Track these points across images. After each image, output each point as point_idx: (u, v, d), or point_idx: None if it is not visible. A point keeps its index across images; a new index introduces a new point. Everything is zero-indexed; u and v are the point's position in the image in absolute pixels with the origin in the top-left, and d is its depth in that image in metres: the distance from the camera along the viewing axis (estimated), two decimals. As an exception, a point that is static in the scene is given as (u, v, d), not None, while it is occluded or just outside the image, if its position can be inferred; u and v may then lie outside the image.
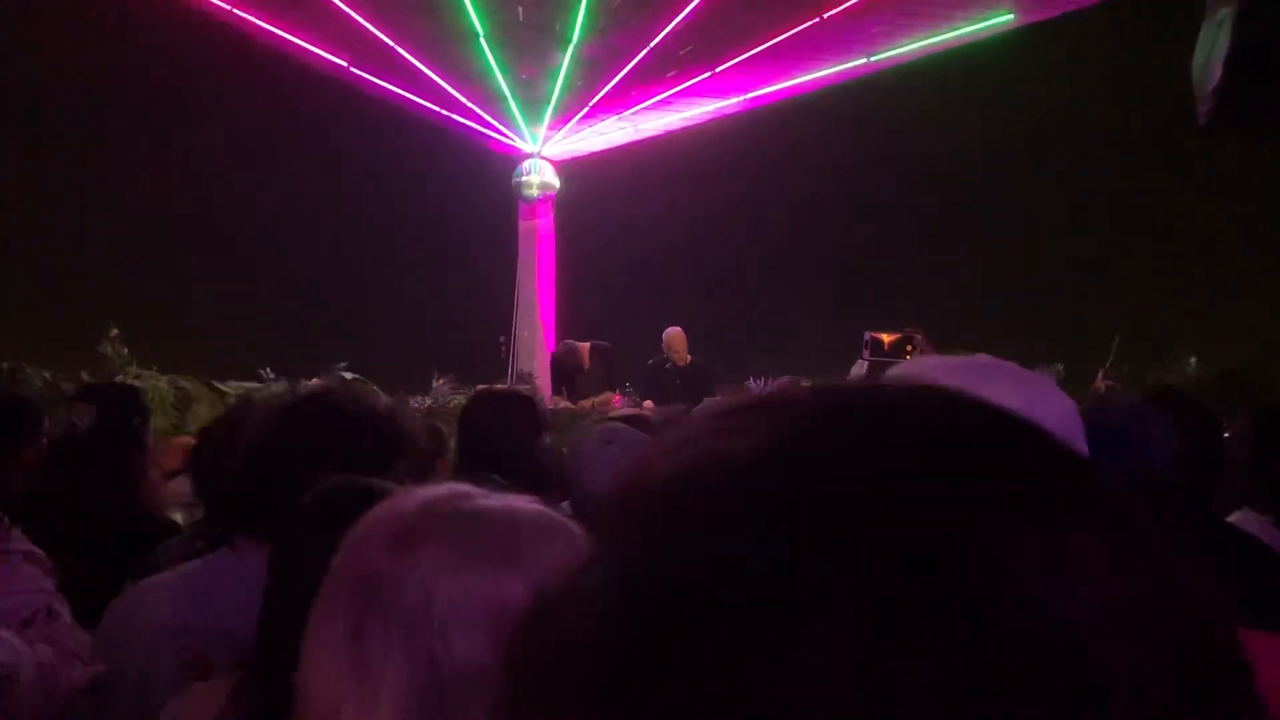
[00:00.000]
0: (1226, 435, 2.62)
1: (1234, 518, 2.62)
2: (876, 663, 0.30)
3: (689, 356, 8.60)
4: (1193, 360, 7.41)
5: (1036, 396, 1.08)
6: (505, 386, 5.32)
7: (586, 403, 7.87)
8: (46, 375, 6.73)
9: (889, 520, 0.32)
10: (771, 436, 0.36)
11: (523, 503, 0.92)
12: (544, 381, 9.59)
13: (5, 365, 6.68)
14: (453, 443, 3.26)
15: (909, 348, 7.08)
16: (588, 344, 8.69)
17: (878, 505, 0.33)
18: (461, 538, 0.87)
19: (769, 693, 0.30)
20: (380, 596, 0.86)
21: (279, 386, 7.82)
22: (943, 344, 6.58)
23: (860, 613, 0.31)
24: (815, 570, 0.32)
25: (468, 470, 2.73)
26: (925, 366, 1.10)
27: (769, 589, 0.32)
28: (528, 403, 2.99)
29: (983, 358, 1.16)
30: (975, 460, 0.36)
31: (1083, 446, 1.10)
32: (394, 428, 1.86)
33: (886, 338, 7.18)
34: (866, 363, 7.25)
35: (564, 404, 8.02)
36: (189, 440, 4.12)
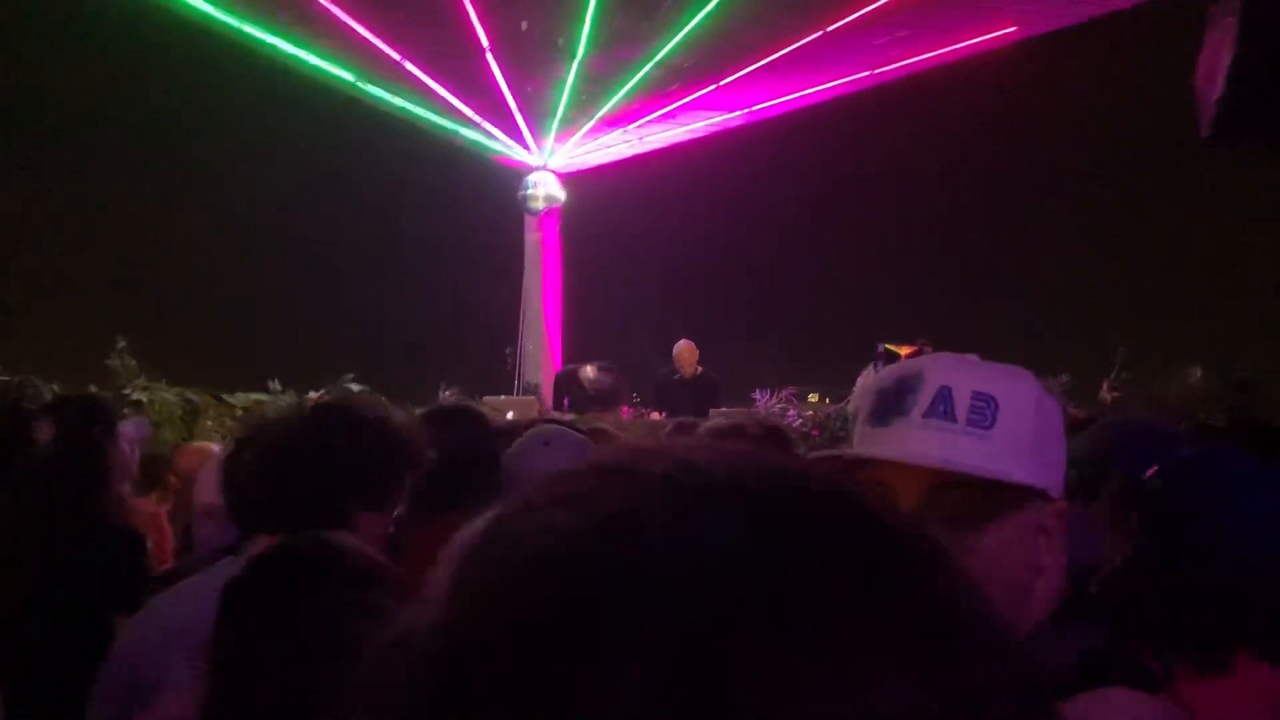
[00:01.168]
0: None
1: None
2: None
3: (698, 368, 8.65)
4: (1198, 371, 7.40)
5: (1040, 386, 1.14)
6: (454, 402, 5.34)
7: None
8: (55, 388, 6.76)
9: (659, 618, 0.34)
10: (591, 516, 0.37)
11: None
12: (550, 393, 9.62)
13: (13, 379, 6.71)
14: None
15: (922, 359, 7.09)
16: (595, 367, 8.74)
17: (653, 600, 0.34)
18: None
19: None
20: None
21: (286, 399, 7.85)
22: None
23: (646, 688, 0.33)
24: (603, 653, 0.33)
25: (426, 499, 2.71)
26: (921, 362, 1.15)
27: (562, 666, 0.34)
28: (478, 416, 2.90)
29: (971, 358, 1.18)
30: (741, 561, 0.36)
31: (1059, 444, 1.14)
32: (407, 439, 1.88)
33: (901, 351, 7.22)
34: (873, 376, 7.26)
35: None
36: (205, 446, 4.12)
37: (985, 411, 1.07)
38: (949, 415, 1.07)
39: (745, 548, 0.36)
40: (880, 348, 7.28)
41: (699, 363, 8.80)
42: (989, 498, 1.05)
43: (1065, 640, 1.06)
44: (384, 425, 1.87)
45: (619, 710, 0.32)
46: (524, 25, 9.56)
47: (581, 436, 2.57)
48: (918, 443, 1.07)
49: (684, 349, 8.64)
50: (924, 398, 1.09)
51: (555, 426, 2.75)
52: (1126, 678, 1.05)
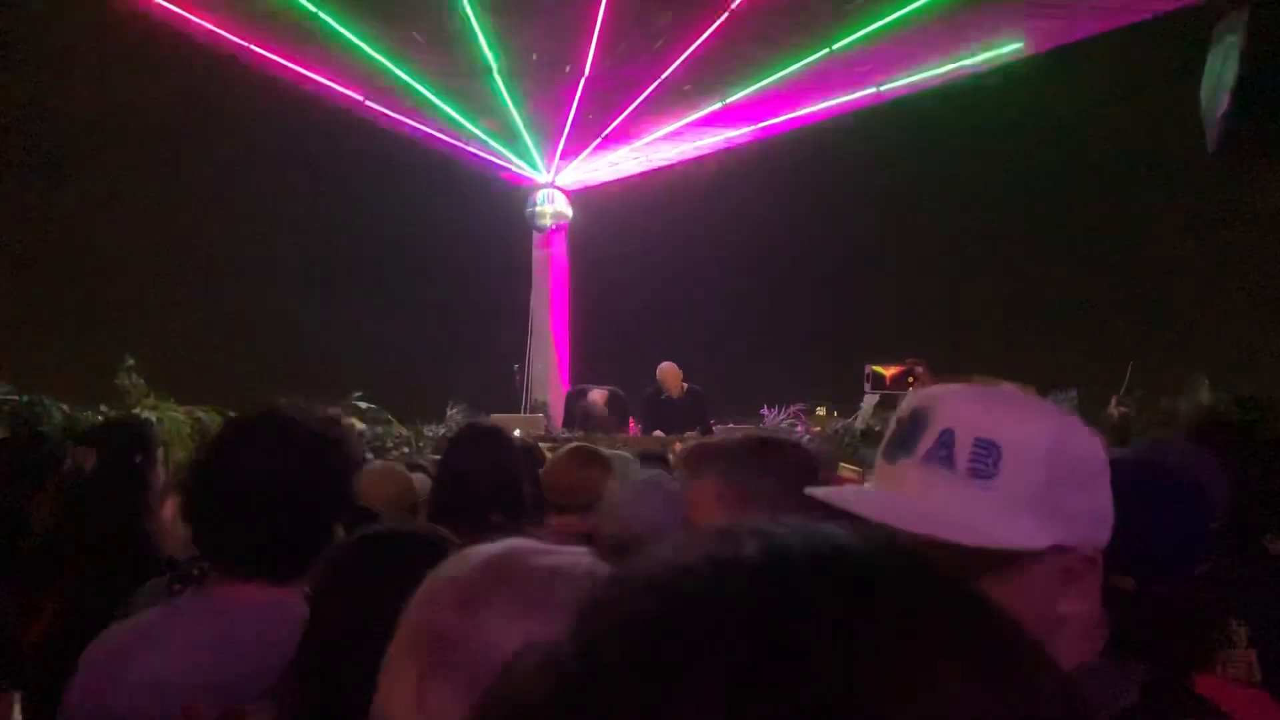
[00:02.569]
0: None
1: None
2: None
3: (684, 386, 8.71)
4: (1207, 387, 7.37)
5: (1066, 428, 1.06)
6: (484, 422, 5.38)
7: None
8: (64, 408, 6.78)
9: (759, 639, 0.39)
10: (718, 573, 0.43)
11: (577, 556, 0.93)
12: (558, 411, 9.63)
13: (23, 398, 6.73)
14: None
15: (910, 380, 7.08)
16: (604, 390, 8.78)
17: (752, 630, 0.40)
18: (523, 593, 0.89)
19: None
20: (448, 656, 0.88)
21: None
22: (951, 374, 6.58)
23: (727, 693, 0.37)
24: (693, 668, 0.39)
25: (446, 507, 2.75)
26: (947, 393, 1.09)
27: (656, 677, 0.39)
28: (507, 439, 3.01)
29: (1007, 387, 1.15)
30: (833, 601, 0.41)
31: (1105, 485, 1.08)
32: (337, 452, 1.85)
33: (887, 371, 7.17)
34: (877, 395, 7.27)
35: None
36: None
37: (987, 460, 1.01)
38: (948, 462, 1.03)
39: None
40: (867, 369, 7.27)
41: (694, 379, 8.86)
42: (987, 555, 0.99)
43: (1125, 675, 1.05)
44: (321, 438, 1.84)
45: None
46: (534, 57, 9.63)
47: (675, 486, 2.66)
48: (912, 486, 1.04)
49: (667, 371, 8.73)
50: (929, 438, 1.04)
51: (660, 471, 2.86)
52: (1188, 707, 1.05)
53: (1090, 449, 1.07)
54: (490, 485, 2.71)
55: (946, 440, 1.03)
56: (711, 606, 0.41)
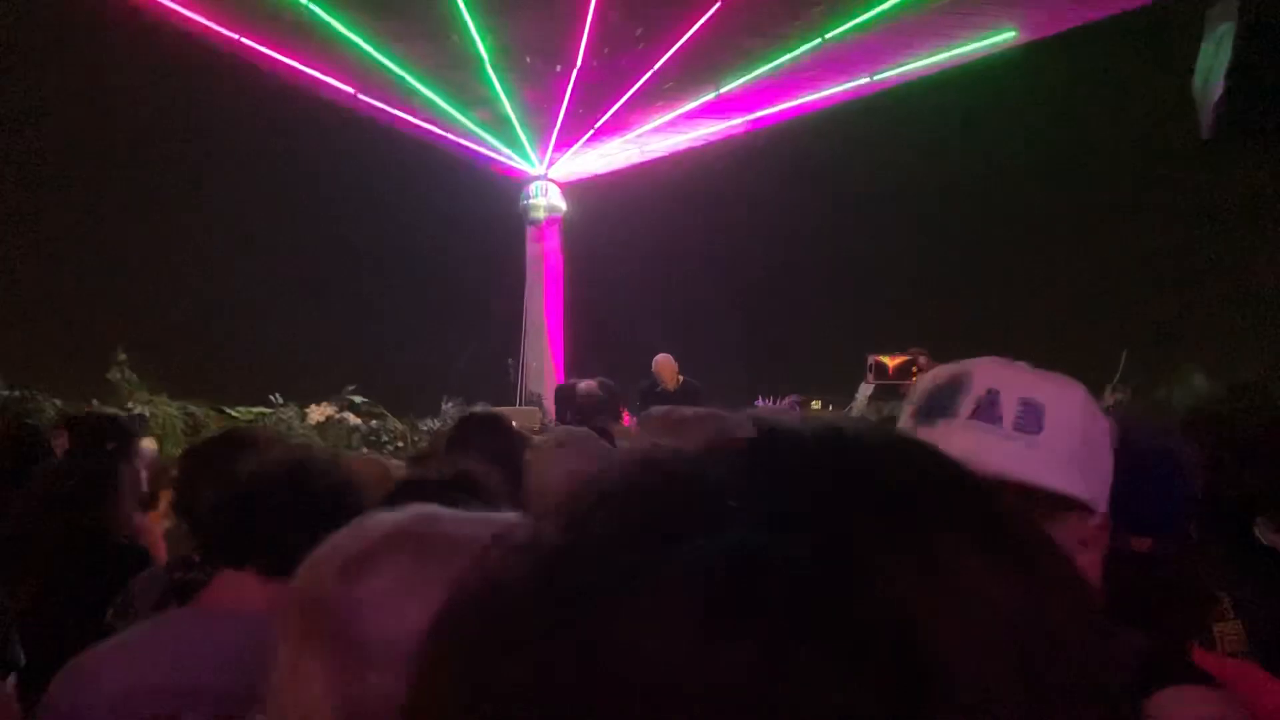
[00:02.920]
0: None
1: None
2: (709, 629, 0.33)
3: (680, 378, 8.71)
4: (1201, 375, 7.38)
5: (1088, 396, 1.13)
6: (490, 410, 5.34)
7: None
8: (57, 402, 6.77)
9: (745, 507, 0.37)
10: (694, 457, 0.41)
11: (495, 524, 0.87)
12: (552, 403, 9.62)
13: (16, 393, 6.71)
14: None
15: (914, 370, 7.08)
16: (595, 382, 8.78)
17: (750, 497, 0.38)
18: (407, 566, 0.85)
19: (614, 642, 0.34)
20: (317, 623, 0.85)
21: (289, 411, 7.86)
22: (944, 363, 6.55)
23: (701, 581, 0.34)
24: (664, 546, 0.36)
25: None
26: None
27: (643, 560, 0.36)
28: (508, 427, 3.00)
29: (1020, 365, 1.17)
30: (860, 478, 0.39)
31: (1110, 454, 1.13)
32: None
33: (890, 361, 7.17)
34: (872, 386, 7.26)
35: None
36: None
37: (1031, 417, 1.06)
38: (994, 419, 1.06)
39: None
40: (870, 359, 7.27)
41: (688, 372, 8.87)
42: (1027, 505, 1.02)
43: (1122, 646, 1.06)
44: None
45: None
46: (527, 60, 9.61)
47: (595, 437, 2.61)
48: (959, 443, 1.04)
49: (663, 363, 8.73)
50: (971, 400, 1.08)
51: (570, 428, 2.82)
52: (1189, 675, 1.07)
53: (1105, 424, 1.14)
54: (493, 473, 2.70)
55: (992, 399, 1.07)
56: (704, 480, 0.38)
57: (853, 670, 0.32)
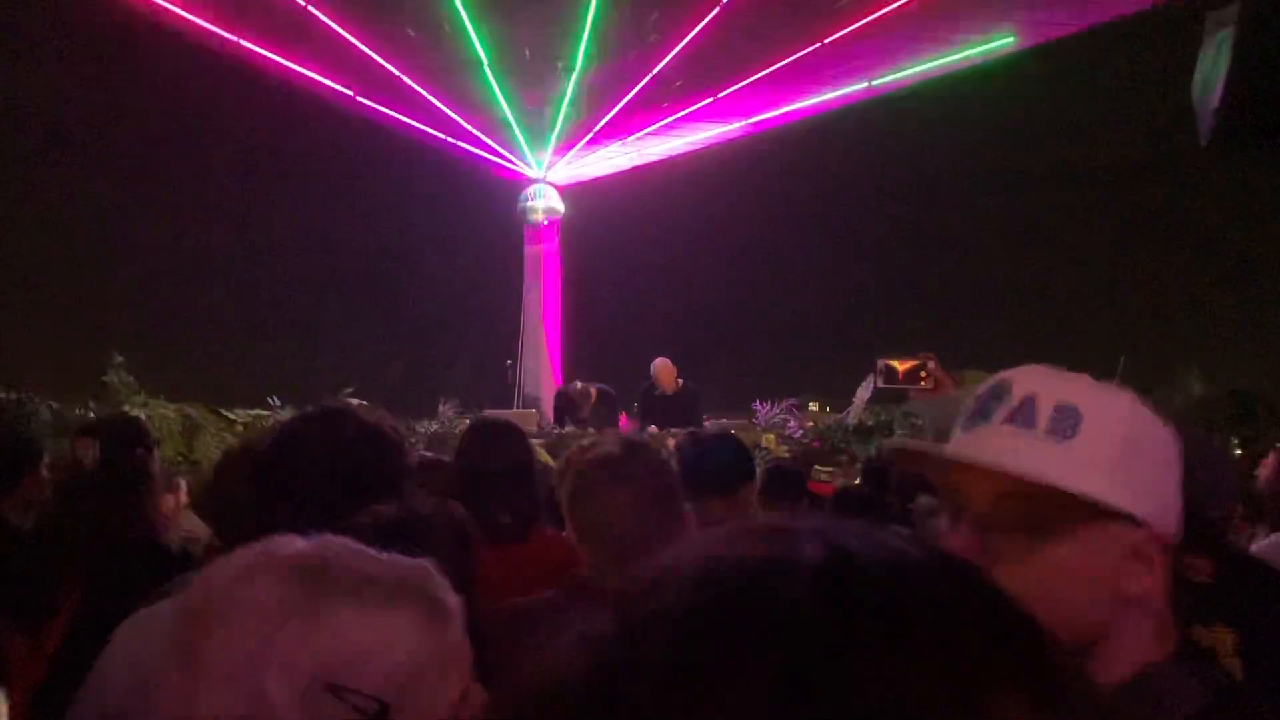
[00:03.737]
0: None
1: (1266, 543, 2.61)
2: None
3: (679, 382, 8.71)
4: (1198, 381, 7.38)
5: (1138, 408, 1.09)
6: (499, 417, 5.33)
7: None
8: (53, 405, 6.75)
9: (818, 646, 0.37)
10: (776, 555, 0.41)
11: (394, 568, 0.94)
12: (550, 406, 9.62)
13: (12, 395, 6.69)
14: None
15: (922, 375, 7.08)
16: (593, 387, 8.78)
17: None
18: (287, 597, 0.89)
19: None
20: (205, 626, 0.90)
21: (286, 414, 7.83)
22: (950, 368, 6.57)
23: (768, 701, 0.36)
24: (740, 672, 0.37)
25: (462, 499, 2.72)
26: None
27: (700, 677, 0.37)
28: (520, 434, 2.98)
29: (1071, 375, 1.14)
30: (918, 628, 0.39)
31: (1176, 475, 1.09)
32: (396, 446, 1.83)
33: (900, 365, 7.16)
34: (871, 387, 7.24)
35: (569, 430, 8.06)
36: None
37: (1067, 422, 1.05)
38: (1028, 423, 1.06)
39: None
40: (879, 363, 7.24)
41: (686, 375, 8.86)
42: (1061, 508, 1.02)
43: (1196, 678, 1.03)
44: (366, 429, 1.81)
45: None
46: (527, 54, 9.60)
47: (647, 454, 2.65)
48: (989, 446, 1.07)
49: (662, 368, 8.72)
50: (1008, 406, 1.08)
51: (616, 442, 2.88)
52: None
53: (1162, 435, 1.09)
54: (503, 481, 2.68)
55: (1028, 405, 1.07)
56: (762, 606, 0.39)
57: None
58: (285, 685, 0.87)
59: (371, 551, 0.97)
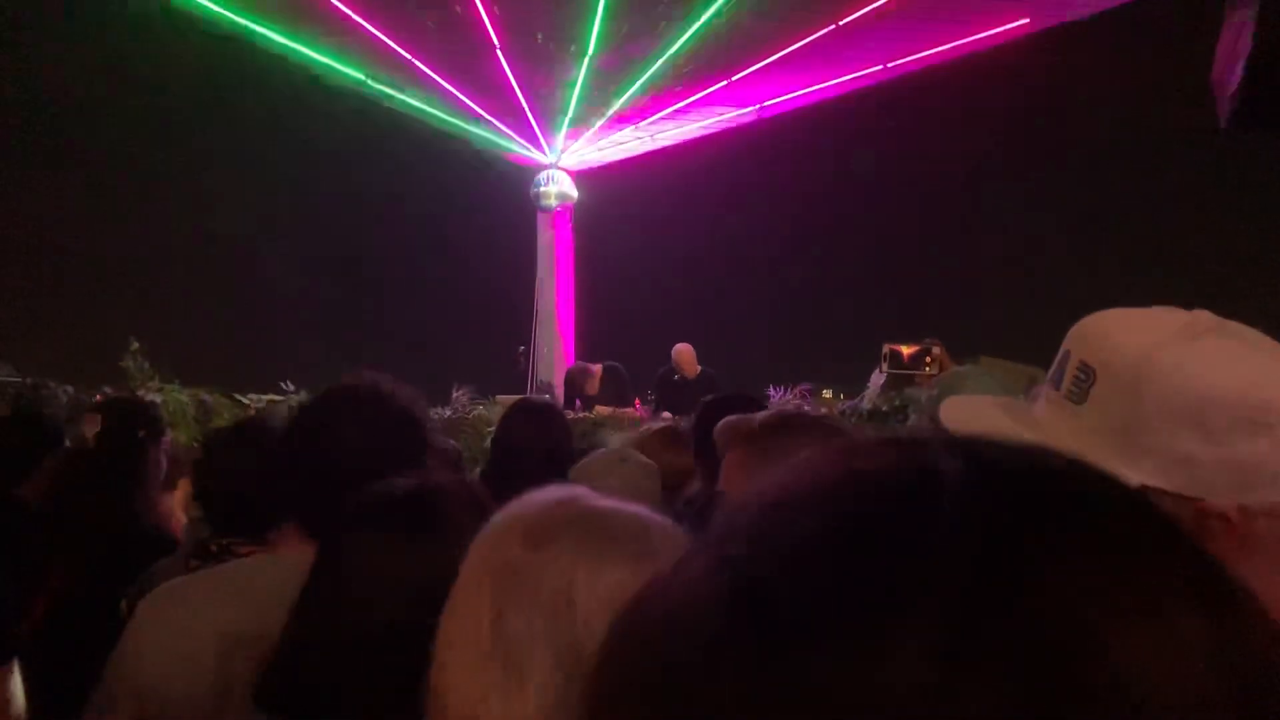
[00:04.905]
0: None
1: None
2: (944, 683, 0.32)
3: (698, 368, 8.69)
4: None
5: (1192, 362, 0.93)
6: (540, 399, 5.35)
7: (605, 410, 7.93)
8: (69, 390, 6.78)
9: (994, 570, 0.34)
10: (902, 468, 0.39)
11: (632, 506, 0.96)
12: (561, 392, 9.62)
13: (28, 380, 6.73)
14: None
15: (928, 359, 7.05)
16: (599, 365, 8.77)
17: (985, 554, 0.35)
18: (595, 532, 0.91)
19: (842, 689, 0.32)
20: (521, 587, 0.90)
21: (300, 399, 7.86)
22: (956, 353, 6.57)
23: (943, 629, 0.32)
24: (904, 591, 0.34)
25: (499, 480, 2.73)
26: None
27: (859, 597, 0.34)
28: (560, 416, 3.03)
29: (1180, 314, 1.01)
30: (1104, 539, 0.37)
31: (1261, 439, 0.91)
32: (416, 419, 1.83)
33: (905, 350, 7.14)
34: (885, 375, 7.22)
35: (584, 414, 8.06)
36: None
37: (1084, 384, 0.95)
38: (1057, 382, 0.99)
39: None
40: (885, 348, 7.22)
41: (699, 361, 8.84)
42: None
43: None
44: (393, 405, 1.81)
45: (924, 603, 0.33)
46: (539, 36, 9.55)
47: (648, 462, 2.67)
48: (1037, 413, 1.00)
49: (683, 352, 8.70)
50: (1058, 365, 1.01)
51: (627, 448, 2.89)
52: None
53: (1230, 392, 0.89)
54: (543, 462, 2.70)
55: (1062, 361, 0.99)
56: (915, 524, 0.35)
57: None
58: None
59: (604, 496, 0.98)
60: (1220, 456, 0.88)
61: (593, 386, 8.54)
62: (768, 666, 0.33)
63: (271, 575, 1.63)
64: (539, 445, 2.78)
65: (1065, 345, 1.00)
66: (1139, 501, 0.39)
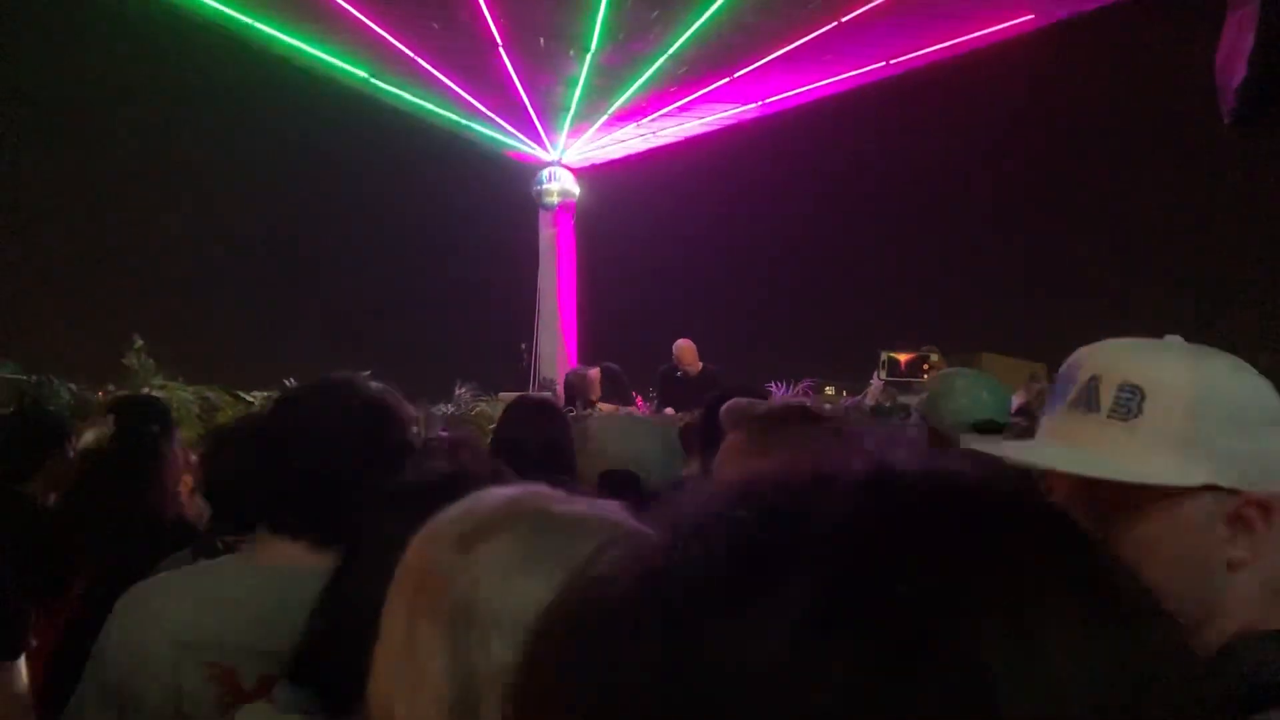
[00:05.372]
0: None
1: None
2: (807, 650, 0.35)
3: (700, 364, 8.68)
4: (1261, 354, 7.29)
5: (1219, 374, 1.06)
6: (539, 395, 5.36)
7: (608, 408, 7.94)
8: (73, 387, 6.79)
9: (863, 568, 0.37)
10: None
11: (600, 509, 0.91)
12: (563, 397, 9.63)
13: (32, 378, 6.74)
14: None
15: (925, 366, 7.08)
16: (595, 369, 8.77)
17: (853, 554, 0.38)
18: (533, 538, 0.87)
19: (731, 658, 0.36)
20: (434, 593, 0.87)
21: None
22: (955, 350, 6.58)
23: (809, 607, 0.36)
24: (782, 569, 0.37)
25: (512, 464, 2.73)
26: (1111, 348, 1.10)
27: (743, 575, 0.38)
28: (559, 411, 3.03)
29: (1171, 339, 1.13)
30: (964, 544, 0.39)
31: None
32: (399, 419, 1.80)
33: (901, 357, 7.16)
34: (882, 382, 7.25)
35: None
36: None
37: (1130, 402, 1.04)
38: (1092, 406, 1.06)
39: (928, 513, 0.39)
40: (882, 355, 7.24)
41: (700, 358, 8.84)
42: (1125, 493, 1.01)
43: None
44: (369, 400, 1.79)
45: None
46: (541, 42, 9.55)
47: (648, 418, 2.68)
48: (1059, 434, 1.07)
49: (685, 348, 8.70)
50: (1074, 389, 1.08)
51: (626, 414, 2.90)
52: None
53: (1246, 393, 1.06)
54: (541, 458, 2.70)
55: (1092, 386, 1.07)
56: (801, 517, 0.39)
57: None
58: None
59: (564, 494, 0.96)
60: (1254, 450, 1.03)
61: (593, 390, 8.54)
62: (670, 639, 0.37)
63: (235, 580, 1.63)
64: (538, 440, 2.78)
65: (1085, 371, 1.08)
66: (1045, 514, 0.42)
